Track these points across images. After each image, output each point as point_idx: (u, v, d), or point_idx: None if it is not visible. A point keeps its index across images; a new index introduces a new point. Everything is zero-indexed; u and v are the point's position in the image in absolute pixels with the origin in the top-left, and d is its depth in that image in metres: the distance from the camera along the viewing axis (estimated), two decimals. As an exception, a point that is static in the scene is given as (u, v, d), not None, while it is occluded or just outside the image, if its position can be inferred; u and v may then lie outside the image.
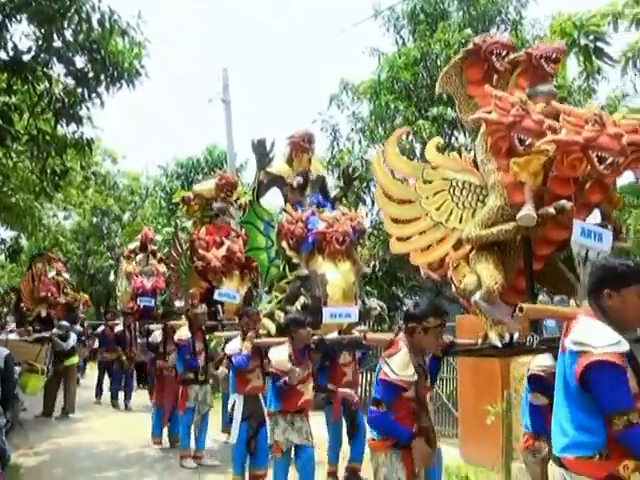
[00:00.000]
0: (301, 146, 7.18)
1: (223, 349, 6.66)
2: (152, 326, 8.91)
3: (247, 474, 5.76)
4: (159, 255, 11.83)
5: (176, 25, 60.06)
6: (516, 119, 3.43)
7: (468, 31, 11.18)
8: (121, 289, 12.54)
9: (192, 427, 7.16)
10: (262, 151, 7.05)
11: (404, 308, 13.02)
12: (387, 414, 3.51)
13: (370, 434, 3.70)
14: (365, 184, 11.92)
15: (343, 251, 6.27)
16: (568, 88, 10.54)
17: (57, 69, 8.23)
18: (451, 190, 3.89)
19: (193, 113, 53.96)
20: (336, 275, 6.21)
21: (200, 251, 7.96)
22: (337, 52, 44.01)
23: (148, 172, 25.49)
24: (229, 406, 5.81)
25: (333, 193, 7.67)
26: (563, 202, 3.32)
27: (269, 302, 6.86)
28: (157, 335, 8.30)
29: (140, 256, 11.72)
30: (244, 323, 5.85)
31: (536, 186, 3.43)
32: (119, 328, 12.00)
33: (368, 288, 7.08)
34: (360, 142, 12.35)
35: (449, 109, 11.32)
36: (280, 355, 5.23)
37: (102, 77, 7.93)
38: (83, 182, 11.74)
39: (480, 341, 3.77)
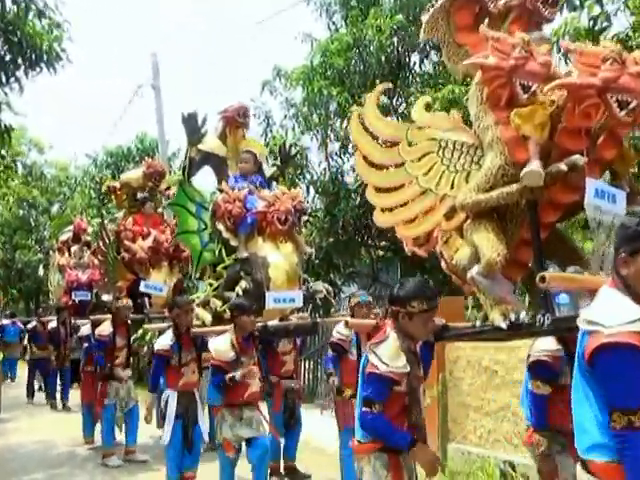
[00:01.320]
0: (235, 121, 6.76)
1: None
2: (79, 321, 8.57)
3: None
4: (93, 247, 11.32)
5: (105, 7, 58.12)
6: (518, 62, 2.91)
7: (399, 17, 11.18)
8: (54, 283, 12.03)
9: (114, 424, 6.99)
10: (193, 125, 6.50)
11: (342, 295, 13.04)
12: (382, 415, 2.95)
13: (356, 435, 3.14)
14: (300, 170, 11.82)
15: (285, 231, 5.97)
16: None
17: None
18: (440, 152, 3.40)
19: (123, 100, 52.49)
20: (278, 257, 5.91)
21: (126, 242, 7.65)
22: (270, 37, 43.57)
23: (77, 162, 24.73)
24: (162, 402, 5.44)
25: (268, 173, 7.22)
26: (575, 157, 2.85)
27: (204, 291, 6.54)
28: (85, 330, 7.99)
29: (74, 248, 11.11)
30: (175, 315, 5.32)
31: (542, 140, 2.93)
32: (53, 324, 11.39)
33: (305, 275, 6.89)
34: (294, 129, 12.20)
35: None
36: (221, 345, 4.89)
37: (20, 60, 7.54)
38: (4, 172, 11.11)
39: (479, 323, 3.33)
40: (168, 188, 8.54)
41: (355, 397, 5.39)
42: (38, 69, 7.91)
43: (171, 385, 5.34)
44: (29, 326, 13.30)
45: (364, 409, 2.99)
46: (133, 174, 8.63)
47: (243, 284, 5.86)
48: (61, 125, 45.32)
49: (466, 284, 3.31)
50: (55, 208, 26.32)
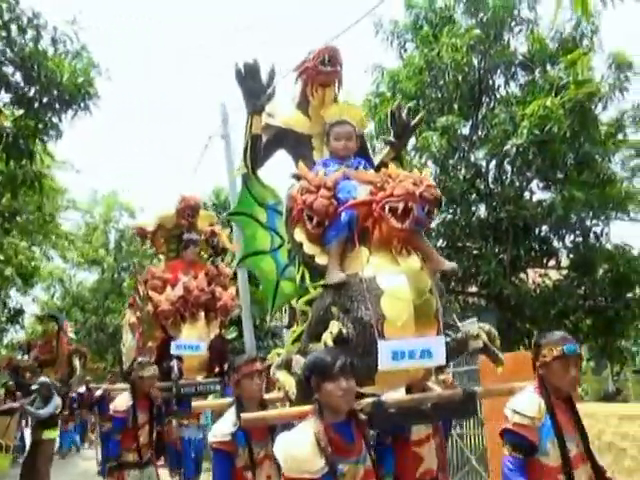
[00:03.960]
0: (319, 72, 4.08)
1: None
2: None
3: None
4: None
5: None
6: None
7: (477, 32, 9.95)
8: (126, 344, 11.21)
9: None
10: (254, 82, 4.02)
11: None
12: None
13: None
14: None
15: (406, 233, 3.24)
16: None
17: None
18: None
19: (196, 151, 54.22)
20: (397, 279, 3.21)
21: (150, 293, 6.52)
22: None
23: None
24: None
25: (378, 156, 4.43)
26: None
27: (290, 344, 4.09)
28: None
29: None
30: (234, 384, 3.61)
31: None
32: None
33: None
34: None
35: (462, 120, 10.01)
36: (298, 448, 2.52)
37: (46, 100, 6.91)
38: (43, 226, 10.63)
39: None
40: (212, 225, 7.46)
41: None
42: (71, 111, 7.28)
43: None
44: (97, 393, 12.63)
45: None
46: (166, 213, 7.52)
47: (335, 327, 3.21)
48: (150, 187, 46.56)
49: None
50: (147, 270, 26.62)
